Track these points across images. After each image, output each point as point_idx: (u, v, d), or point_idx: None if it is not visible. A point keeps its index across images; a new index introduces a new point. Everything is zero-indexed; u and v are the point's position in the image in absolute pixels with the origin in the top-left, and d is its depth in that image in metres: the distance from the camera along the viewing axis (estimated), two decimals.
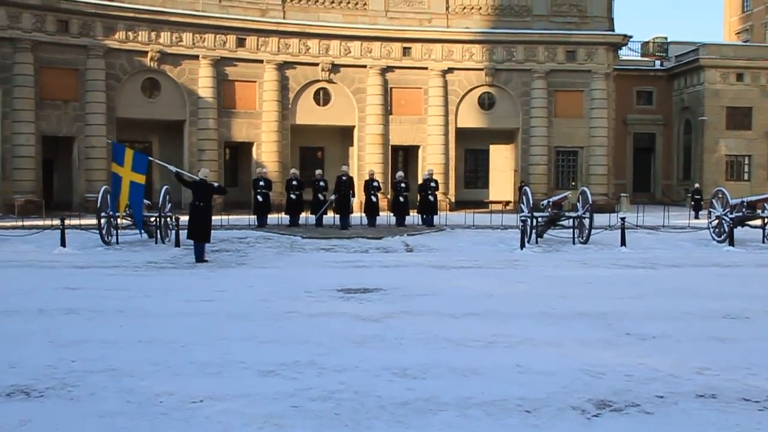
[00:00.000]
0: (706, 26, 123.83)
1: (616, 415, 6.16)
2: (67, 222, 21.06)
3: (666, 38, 54.08)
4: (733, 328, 9.72)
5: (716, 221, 23.25)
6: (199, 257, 17.59)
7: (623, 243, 21.04)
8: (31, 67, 33.41)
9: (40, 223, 24.81)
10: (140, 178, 20.17)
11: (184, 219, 19.70)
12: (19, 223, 25.74)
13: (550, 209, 23.64)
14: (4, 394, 6.66)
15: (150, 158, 22.36)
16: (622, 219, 22.11)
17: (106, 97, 35.21)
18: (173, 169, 20.68)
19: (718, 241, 22.71)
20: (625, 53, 48.10)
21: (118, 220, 21.84)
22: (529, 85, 40.52)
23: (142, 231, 21.80)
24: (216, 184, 19.70)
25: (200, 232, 17.68)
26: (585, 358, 7.93)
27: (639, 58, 52.62)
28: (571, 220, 23.02)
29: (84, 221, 24.70)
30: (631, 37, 41.79)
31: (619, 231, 21.58)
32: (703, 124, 47.62)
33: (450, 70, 39.90)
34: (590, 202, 22.11)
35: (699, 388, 6.93)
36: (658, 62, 52.50)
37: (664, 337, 9.10)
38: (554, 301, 11.66)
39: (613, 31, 41.24)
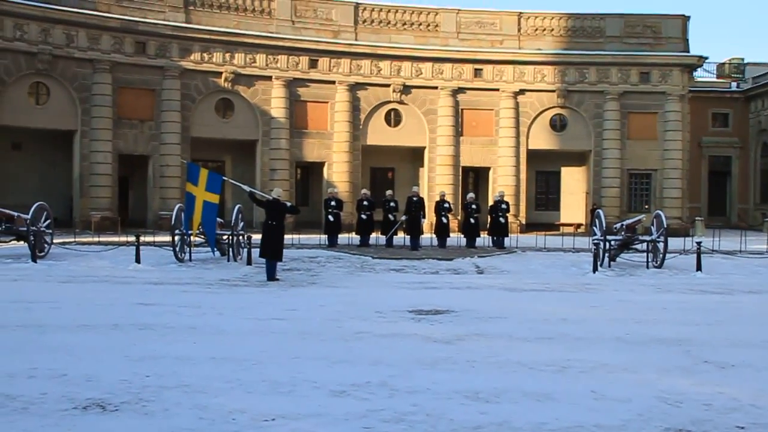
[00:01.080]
0: None
1: None
2: (141, 239, 21.41)
3: (742, 59, 52.98)
4: None
5: None
6: (271, 276, 17.72)
7: (699, 268, 20.59)
8: (110, 87, 34.19)
9: (116, 239, 25.33)
10: (214, 198, 20.33)
11: (256, 237, 19.86)
12: (96, 239, 26.32)
13: (623, 232, 23.26)
14: (81, 407, 6.77)
15: (224, 178, 22.64)
16: (698, 243, 21.65)
17: (181, 117, 35.83)
18: (247, 188, 20.84)
19: None
20: (700, 75, 47.20)
21: (192, 238, 22.15)
22: (602, 107, 40.05)
23: (215, 249, 22.08)
24: (289, 204, 19.92)
25: (273, 251, 17.88)
26: (662, 386, 7.75)
27: (714, 80, 51.63)
28: (645, 244, 22.63)
29: (158, 238, 25.12)
30: (706, 58, 41.01)
31: (695, 255, 21.14)
32: None
33: (521, 91, 39.67)
34: (665, 226, 21.71)
35: None
36: (734, 84, 51.41)
37: (744, 366, 8.85)
38: (629, 327, 11.45)
39: (688, 52, 40.55)
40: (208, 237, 21.24)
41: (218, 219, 22.91)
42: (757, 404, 7.15)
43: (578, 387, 7.67)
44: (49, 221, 22.01)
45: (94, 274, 18.15)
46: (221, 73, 36.47)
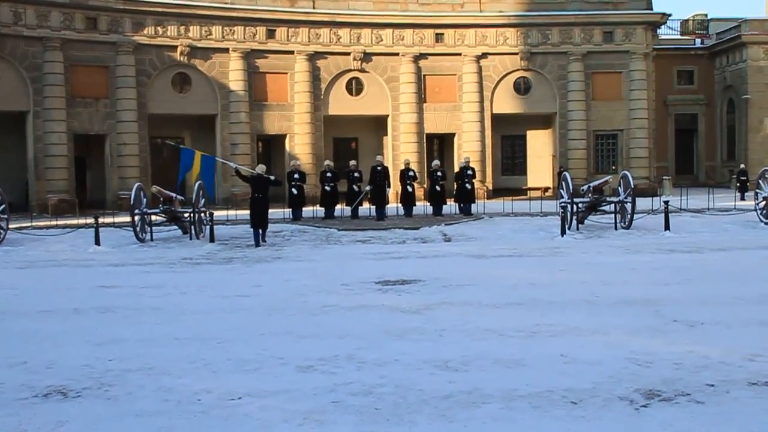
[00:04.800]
0: (747, 1, 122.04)
1: (666, 405, 6.07)
2: (101, 220, 21.27)
3: (706, 15, 53.24)
4: None
5: (763, 202, 22.89)
6: (258, 242, 19.81)
7: (667, 227, 20.81)
8: (61, 66, 33.65)
9: (74, 222, 25.08)
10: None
11: (219, 215, 20.06)
12: (53, 223, 26.02)
13: (590, 194, 23.42)
14: (41, 395, 6.71)
15: (216, 158, 25.09)
16: (666, 202, 21.87)
17: (137, 93, 35.42)
18: (233, 165, 23.19)
19: (765, 223, 22.38)
20: (664, 32, 47.51)
21: (152, 217, 22.09)
22: (566, 68, 40.11)
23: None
24: (272, 177, 21.38)
25: (261, 221, 20.05)
26: (632, 347, 7.83)
27: (678, 37, 51.87)
28: (612, 205, 22.83)
29: (118, 219, 24.91)
30: (669, 15, 41.22)
31: (663, 215, 21.35)
32: (747, 102, 46.88)
33: (484, 55, 39.60)
34: (632, 186, 21.86)
35: (751, 375, 6.81)
36: (698, 40, 51.66)
37: (713, 324, 8.97)
38: (598, 289, 11.55)
39: (651, 9, 40.66)
40: (206, 189, 22.99)
41: (179, 197, 23.03)
42: (726, 361, 7.25)
43: (548, 352, 7.73)
44: (3, 206, 21.72)
45: (53, 259, 18.00)
46: (176, 46, 36.06)
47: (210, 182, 23.16)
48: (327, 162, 29.62)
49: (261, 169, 21.13)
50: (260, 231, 20.17)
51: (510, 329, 8.79)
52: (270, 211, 20.77)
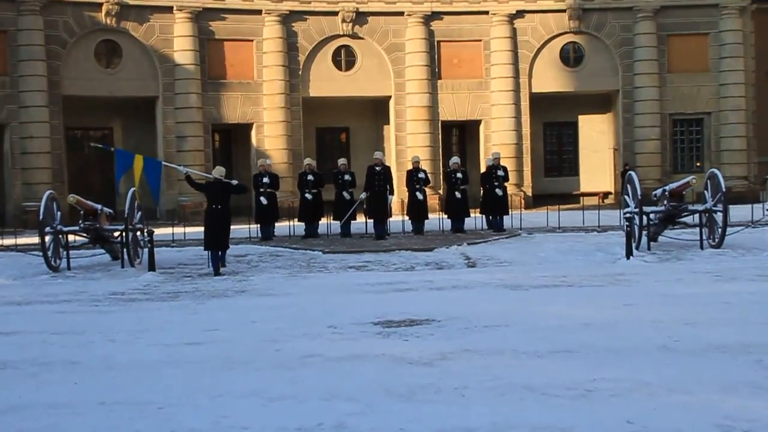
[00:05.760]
0: None
1: None
2: None
3: None
4: None
5: None
6: (217, 269, 20.03)
7: None
8: None
9: None
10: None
11: (163, 233, 20.03)
12: None
13: (666, 201, 23.38)
14: None
15: (164, 163, 25.46)
16: None
17: (47, 69, 35.52)
18: (183, 169, 22.98)
19: None
20: None
21: (69, 237, 22.04)
22: (632, 30, 40.24)
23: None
24: (234, 182, 21.48)
25: (219, 241, 20.32)
26: (725, 410, 7.81)
27: None
28: (696, 216, 22.79)
29: (21, 240, 24.91)
30: None
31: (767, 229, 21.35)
32: None
33: (519, 13, 39.76)
34: (723, 190, 21.86)
35: None
36: None
37: None
38: (677, 330, 11.52)
39: None
40: (152, 190, 24.20)
41: (107, 209, 23.05)
42: None
43: (609, 417, 7.71)
44: None
45: None
46: (101, 4, 36.16)
47: (156, 186, 23.75)
48: (308, 161, 29.62)
49: (219, 172, 21.18)
50: (218, 254, 20.35)
51: (556, 387, 8.76)
52: (231, 227, 20.84)
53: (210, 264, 20.30)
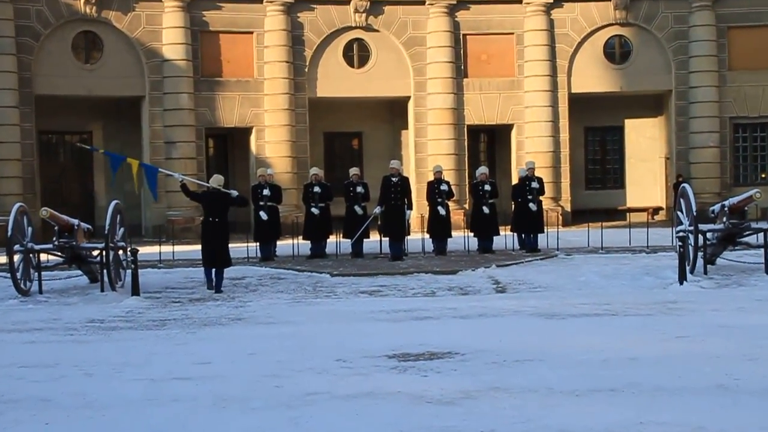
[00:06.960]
0: None
1: None
2: None
3: None
4: None
5: None
6: (218, 288, 20.75)
7: None
8: None
9: None
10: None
11: (148, 251, 20.06)
12: None
13: (725, 219, 23.30)
14: None
15: (160, 170, 25.72)
16: None
17: (17, 64, 35.61)
18: (179, 177, 23.26)
19: None
20: None
21: (42, 256, 22.06)
22: (687, 22, 40.18)
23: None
24: (234, 193, 21.93)
25: (218, 257, 20.87)
26: None
27: None
28: (761, 236, 22.71)
29: None
30: None
31: None
32: None
33: (558, 2, 39.76)
34: None
35: None
36: None
37: None
38: (738, 367, 11.46)
39: None
40: (150, 186, 24.76)
41: (85, 225, 23.04)
42: None
43: None
44: None
45: None
46: None
47: (154, 192, 24.45)
48: (314, 170, 29.66)
49: (217, 181, 21.59)
50: (220, 271, 20.97)
51: (598, 430, 8.72)
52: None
53: (207, 283, 20.63)
